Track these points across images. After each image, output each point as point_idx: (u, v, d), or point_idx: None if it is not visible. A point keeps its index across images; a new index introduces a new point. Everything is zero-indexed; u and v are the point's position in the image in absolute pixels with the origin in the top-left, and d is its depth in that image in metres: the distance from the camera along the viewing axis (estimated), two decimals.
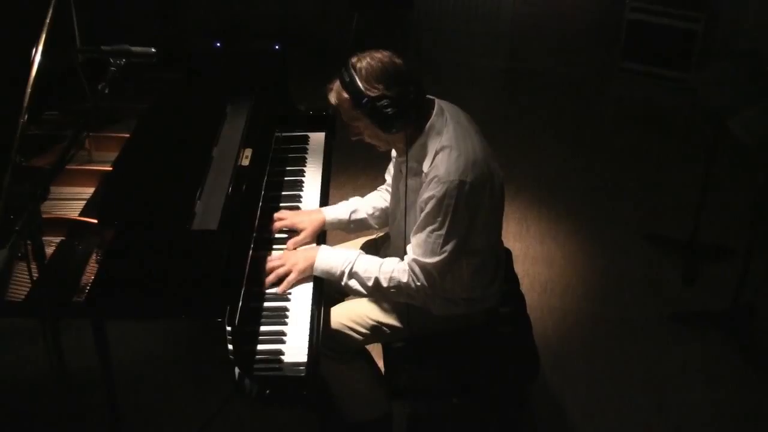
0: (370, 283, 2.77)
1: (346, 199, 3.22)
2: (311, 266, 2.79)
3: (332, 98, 2.70)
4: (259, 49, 3.91)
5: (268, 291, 2.73)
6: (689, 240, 4.43)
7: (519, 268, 3.96)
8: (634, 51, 6.48)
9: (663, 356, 3.88)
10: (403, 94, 2.63)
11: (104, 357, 2.26)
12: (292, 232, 2.99)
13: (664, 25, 6.29)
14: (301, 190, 3.26)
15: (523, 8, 6.82)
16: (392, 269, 2.76)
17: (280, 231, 3.00)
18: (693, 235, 4.40)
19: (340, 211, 3.12)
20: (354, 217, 3.13)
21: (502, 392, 3.04)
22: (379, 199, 3.16)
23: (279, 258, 2.81)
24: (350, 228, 3.15)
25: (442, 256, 2.69)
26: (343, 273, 2.79)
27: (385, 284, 2.76)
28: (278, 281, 2.75)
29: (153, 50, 2.60)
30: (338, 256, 2.81)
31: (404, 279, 2.74)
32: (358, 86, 2.60)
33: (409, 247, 2.75)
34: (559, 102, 6.36)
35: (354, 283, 2.79)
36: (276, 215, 3.01)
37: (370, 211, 3.15)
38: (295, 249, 2.93)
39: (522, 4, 6.81)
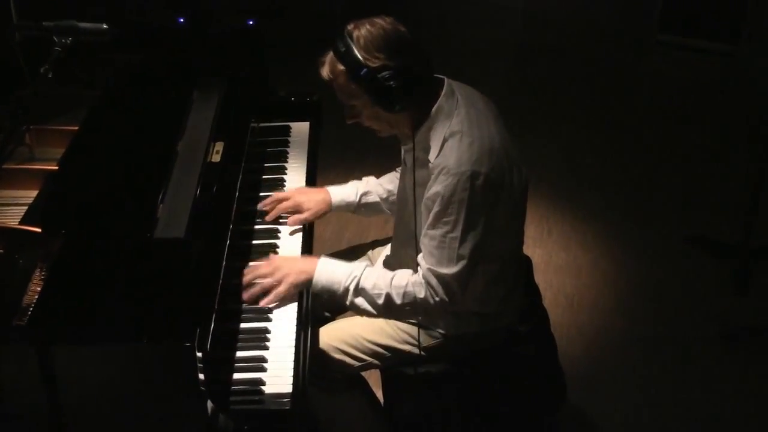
0: (380, 301, 2.76)
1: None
2: (308, 280, 2.77)
3: (325, 72, 2.69)
4: (230, 26, 3.90)
5: (247, 306, 2.71)
6: (739, 243, 4.43)
7: (540, 278, 3.97)
8: (672, 21, 6.49)
9: (711, 380, 3.88)
10: (407, 65, 2.62)
11: (51, 391, 2.24)
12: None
13: None
14: (283, 190, 3.26)
15: None
16: (406, 282, 2.75)
17: (280, 217, 3.06)
18: (744, 237, 4.39)
19: (349, 192, 3.16)
20: (365, 200, 3.16)
21: (522, 424, 3.04)
22: (396, 180, 3.15)
23: (266, 264, 2.78)
24: (360, 212, 3.18)
25: (461, 264, 2.68)
26: (347, 290, 2.77)
27: (398, 301, 2.75)
28: (262, 295, 2.73)
29: (105, 26, 2.59)
30: (341, 269, 2.79)
31: (421, 294, 2.72)
32: (356, 56, 2.60)
33: (420, 256, 2.74)
34: (585, 83, 6.37)
35: (361, 302, 2.78)
36: (276, 195, 3.07)
37: (384, 195, 3.16)
38: (295, 224, 3.02)
39: None
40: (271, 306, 2.73)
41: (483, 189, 2.63)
